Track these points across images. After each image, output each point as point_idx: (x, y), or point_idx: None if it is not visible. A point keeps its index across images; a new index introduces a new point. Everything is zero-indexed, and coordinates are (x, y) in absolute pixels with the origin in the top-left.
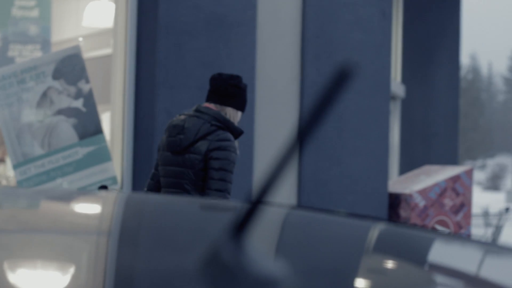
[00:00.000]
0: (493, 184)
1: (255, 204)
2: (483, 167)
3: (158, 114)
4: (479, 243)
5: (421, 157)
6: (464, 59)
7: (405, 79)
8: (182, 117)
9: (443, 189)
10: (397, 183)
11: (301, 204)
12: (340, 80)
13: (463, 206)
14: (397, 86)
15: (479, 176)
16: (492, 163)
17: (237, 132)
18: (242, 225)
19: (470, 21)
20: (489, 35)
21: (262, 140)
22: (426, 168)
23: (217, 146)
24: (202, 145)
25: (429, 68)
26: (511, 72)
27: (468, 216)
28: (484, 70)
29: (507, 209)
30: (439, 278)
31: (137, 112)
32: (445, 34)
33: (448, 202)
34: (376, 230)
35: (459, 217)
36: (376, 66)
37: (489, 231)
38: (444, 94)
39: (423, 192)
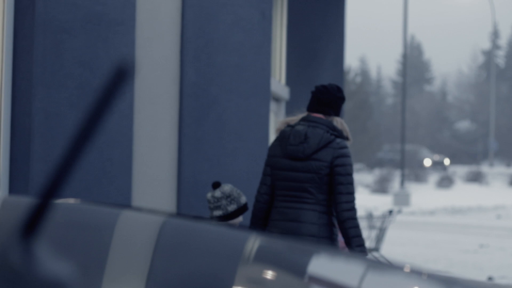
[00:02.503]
0: (381, 187)
1: (43, 203)
2: (371, 169)
3: (35, 113)
4: (360, 258)
5: None
6: (353, 62)
7: (289, 81)
8: (300, 127)
9: None
10: None
11: (180, 206)
12: (118, 79)
13: None
14: (281, 88)
15: (367, 178)
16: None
17: (345, 139)
18: (31, 224)
19: (359, 24)
20: (378, 39)
21: (141, 141)
22: None
23: (341, 154)
24: (326, 153)
25: (314, 70)
26: (399, 75)
27: None
28: (373, 73)
29: (390, 212)
30: None
31: (13, 111)
32: (330, 37)
33: None
34: (253, 240)
35: None
36: (256, 67)
37: (373, 234)
38: None
39: None
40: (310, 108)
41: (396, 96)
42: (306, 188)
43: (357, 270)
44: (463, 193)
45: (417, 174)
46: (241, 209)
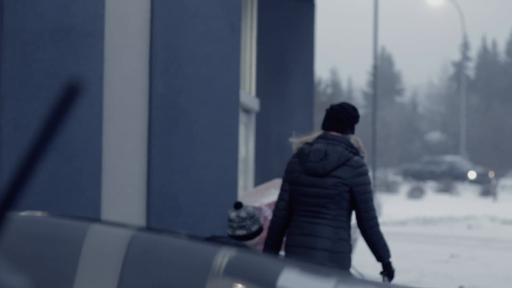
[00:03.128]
0: None
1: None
2: None
3: (4, 125)
4: (331, 272)
5: (276, 170)
6: (324, 73)
7: (259, 93)
8: (320, 145)
9: None
10: (247, 196)
11: (149, 217)
12: (69, 96)
13: None
14: (251, 99)
15: None
16: None
17: (361, 156)
18: None
19: (330, 37)
20: (349, 51)
21: (110, 152)
22: (276, 181)
23: (360, 173)
24: (345, 170)
25: (284, 82)
26: (370, 87)
27: None
28: (344, 85)
29: None
30: None
31: None
32: (299, 48)
33: None
34: (222, 254)
35: None
36: (225, 79)
37: None
38: (299, 108)
39: (272, 206)
40: (327, 127)
41: (367, 107)
42: (324, 203)
43: (327, 284)
44: (434, 204)
45: (388, 184)
46: (260, 230)
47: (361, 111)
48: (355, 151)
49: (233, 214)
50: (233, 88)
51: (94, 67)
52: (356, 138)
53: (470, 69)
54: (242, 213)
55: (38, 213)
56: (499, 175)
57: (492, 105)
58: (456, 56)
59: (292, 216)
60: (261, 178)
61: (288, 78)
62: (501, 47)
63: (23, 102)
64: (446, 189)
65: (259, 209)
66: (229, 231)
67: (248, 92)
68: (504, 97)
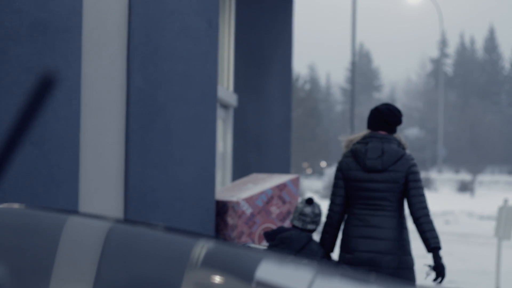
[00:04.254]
0: (330, 192)
1: None
2: (320, 176)
3: None
4: (310, 264)
5: (254, 166)
6: (302, 69)
7: (237, 89)
8: (375, 143)
9: (269, 197)
10: (225, 191)
11: (127, 212)
12: (43, 89)
13: (290, 213)
14: (229, 95)
15: (316, 184)
16: (329, 171)
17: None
18: None
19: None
20: (327, 47)
21: (88, 147)
22: (254, 176)
23: (413, 164)
24: (402, 165)
25: (262, 78)
26: (348, 83)
27: None
28: (322, 81)
29: None
30: None
31: None
32: (277, 45)
33: (274, 210)
34: (200, 246)
35: (285, 224)
36: (203, 75)
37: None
38: (277, 103)
39: (250, 200)
40: (375, 127)
41: (345, 103)
42: (384, 196)
43: (305, 276)
44: None
45: None
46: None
47: (339, 107)
48: (404, 148)
49: (308, 209)
50: (211, 83)
51: (72, 63)
52: (400, 136)
53: (448, 66)
54: (316, 210)
55: (16, 205)
56: (477, 171)
57: (469, 102)
58: (434, 53)
59: (350, 209)
60: (239, 173)
61: (266, 73)
62: (479, 44)
63: (0, 97)
64: (424, 185)
65: (237, 203)
66: (299, 224)
67: (226, 88)
68: (481, 93)
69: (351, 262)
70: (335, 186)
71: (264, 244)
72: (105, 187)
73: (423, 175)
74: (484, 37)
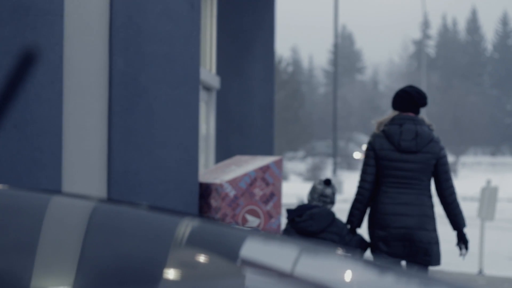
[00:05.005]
0: (313, 175)
1: None
2: (303, 158)
3: None
4: (294, 242)
5: (237, 148)
6: (285, 52)
7: (220, 71)
8: (409, 126)
9: (253, 179)
10: (208, 173)
11: (110, 195)
12: (24, 65)
13: (273, 195)
14: (212, 77)
15: (299, 167)
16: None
17: None
18: None
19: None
20: (310, 29)
21: (71, 130)
22: (237, 158)
23: (442, 147)
24: (433, 146)
25: (245, 60)
26: (331, 65)
27: (278, 205)
28: (305, 63)
29: None
30: (249, 273)
31: None
32: (260, 27)
33: (258, 191)
34: (185, 224)
35: (269, 206)
36: (185, 57)
37: None
38: (260, 86)
39: (233, 182)
40: (404, 108)
41: (328, 85)
42: (416, 176)
43: (290, 254)
44: None
45: (349, 162)
46: None
47: (322, 89)
48: (431, 129)
49: (329, 191)
50: (193, 66)
51: (54, 45)
52: (424, 118)
53: (431, 47)
54: (335, 190)
55: None
56: (459, 152)
57: (452, 83)
58: (417, 35)
59: (379, 187)
60: (222, 155)
61: (249, 56)
62: (461, 25)
63: None
64: None
65: (220, 185)
66: (319, 204)
67: (209, 70)
68: (464, 75)
69: (385, 238)
70: (366, 164)
71: (248, 226)
72: (88, 170)
73: None
74: (466, 18)
